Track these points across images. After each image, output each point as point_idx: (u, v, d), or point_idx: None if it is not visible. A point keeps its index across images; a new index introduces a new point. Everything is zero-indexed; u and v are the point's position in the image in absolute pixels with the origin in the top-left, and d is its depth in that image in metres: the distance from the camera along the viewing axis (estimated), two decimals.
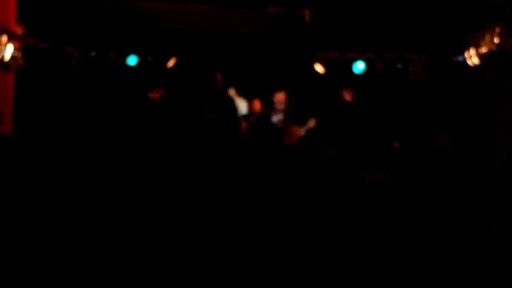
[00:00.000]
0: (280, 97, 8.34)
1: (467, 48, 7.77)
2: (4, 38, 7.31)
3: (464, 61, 7.85)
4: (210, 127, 7.50)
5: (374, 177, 6.54)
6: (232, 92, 8.32)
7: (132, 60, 8.89)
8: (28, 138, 7.94)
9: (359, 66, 8.74)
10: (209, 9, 8.26)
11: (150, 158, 7.34)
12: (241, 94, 8.43)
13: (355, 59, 8.78)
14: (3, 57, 7.33)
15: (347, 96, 8.31)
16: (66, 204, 6.29)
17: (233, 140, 7.33)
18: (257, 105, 8.25)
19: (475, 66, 7.71)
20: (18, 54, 7.60)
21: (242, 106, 8.39)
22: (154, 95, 8.37)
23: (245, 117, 8.08)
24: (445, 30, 8.22)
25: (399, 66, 8.75)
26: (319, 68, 8.98)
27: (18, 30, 7.77)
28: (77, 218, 5.91)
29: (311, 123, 7.97)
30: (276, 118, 8.23)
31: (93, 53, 8.82)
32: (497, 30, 7.15)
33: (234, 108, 7.83)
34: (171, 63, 9.00)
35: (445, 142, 6.94)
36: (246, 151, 7.08)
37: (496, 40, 7.19)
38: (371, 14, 8.05)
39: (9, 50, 7.37)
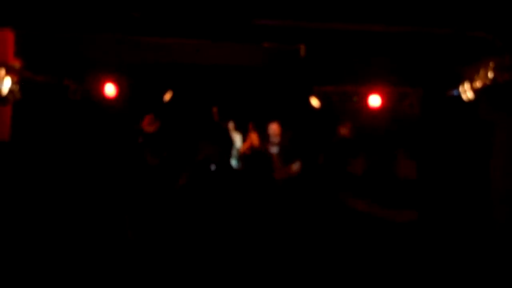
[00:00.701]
0: (275, 129, 8.40)
1: (461, 82, 7.85)
2: (2, 71, 7.35)
3: (459, 95, 7.91)
4: (206, 160, 7.63)
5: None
6: (230, 126, 8.36)
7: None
8: (24, 170, 7.94)
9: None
10: (205, 43, 8.26)
11: (144, 192, 7.47)
12: (237, 127, 8.42)
13: (351, 93, 8.90)
14: (0, 90, 7.37)
15: (344, 131, 8.30)
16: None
17: (228, 174, 7.42)
18: (254, 138, 8.31)
19: (469, 101, 7.75)
20: (16, 88, 7.63)
21: (238, 139, 8.41)
22: (149, 128, 8.38)
23: (240, 150, 8.10)
24: (439, 64, 8.28)
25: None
26: (314, 101, 9.06)
27: (16, 63, 7.81)
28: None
29: (296, 165, 8.03)
30: (271, 151, 8.22)
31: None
32: (491, 64, 7.20)
33: (230, 141, 7.88)
34: (167, 96, 9.05)
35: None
36: (240, 185, 7.21)
37: (490, 74, 7.24)
38: (366, 48, 8.00)
39: (6, 84, 7.41)
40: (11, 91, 7.52)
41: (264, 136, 8.43)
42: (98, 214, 7.24)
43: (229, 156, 7.87)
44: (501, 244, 6.88)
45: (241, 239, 6.24)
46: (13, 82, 7.55)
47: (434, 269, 6.19)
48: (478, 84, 7.56)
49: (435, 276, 6.09)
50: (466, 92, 7.75)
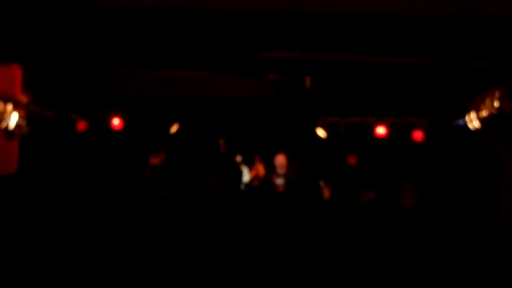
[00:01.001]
0: (281, 160, 8.32)
1: (467, 111, 7.86)
2: (10, 106, 7.38)
3: (465, 125, 7.92)
4: (214, 193, 7.61)
5: None
6: (238, 159, 8.38)
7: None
8: (31, 203, 7.95)
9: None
10: (210, 76, 8.31)
11: (151, 225, 7.46)
12: (244, 159, 8.42)
13: (357, 123, 8.91)
14: (7, 125, 7.40)
15: (352, 161, 8.30)
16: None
17: (236, 207, 7.41)
18: (260, 169, 8.31)
19: (476, 130, 7.76)
20: (23, 123, 7.67)
21: (245, 172, 8.39)
22: (155, 160, 8.43)
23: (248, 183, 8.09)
24: (445, 94, 8.30)
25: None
26: (321, 132, 9.09)
27: (23, 98, 7.85)
28: None
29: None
30: (278, 182, 8.22)
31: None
32: (497, 94, 7.21)
33: (240, 174, 7.85)
34: (173, 129, 9.11)
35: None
36: (250, 217, 7.21)
37: (496, 104, 7.24)
38: (371, 79, 8.06)
39: (14, 119, 7.44)
40: (18, 125, 7.55)
41: (270, 167, 8.38)
42: (104, 248, 7.09)
43: (238, 189, 7.83)
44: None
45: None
46: (20, 117, 7.58)
47: None
48: (484, 113, 7.56)
49: None
50: (473, 121, 7.76)
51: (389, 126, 8.87)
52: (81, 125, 8.85)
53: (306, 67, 7.72)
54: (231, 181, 7.59)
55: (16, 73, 7.94)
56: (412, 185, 7.18)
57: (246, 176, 8.38)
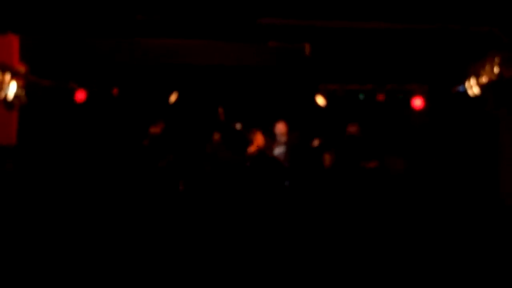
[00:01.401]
0: (281, 128, 8.32)
1: (467, 78, 7.84)
2: (8, 76, 7.35)
3: (465, 91, 7.90)
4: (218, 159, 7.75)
5: None
6: (238, 126, 8.32)
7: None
8: (31, 174, 7.98)
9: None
10: (210, 44, 8.23)
11: (151, 193, 7.62)
12: (243, 127, 8.39)
13: (356, 91, 8.81)
14: (6, 95, 7.37)
15: (352, 129, 8.30)
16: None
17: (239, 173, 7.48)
18: (260, 138, 8.19)
19: (476, 96, 7.74)
20: (21, 92, 7.63)
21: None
22: (155, 129, 8.43)
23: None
24: (445, 61, 8.22)
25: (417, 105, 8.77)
26: (320, 100, 9.00)
27: (21, 68, 7.81)
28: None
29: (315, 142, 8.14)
30: (278, 151, 8.21)
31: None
32: (497, 60, 7.17)
33: (246, 144, 8.00)
34: (173, 98, 8.98)
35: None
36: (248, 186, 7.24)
37: (496, 69, 7.21)
38: (371, 45, 7.99)
39: (12, 88, 7.41)
40: (17, 95, 7.53)
41: (270, 136, 8.35)
42: (103, 216, 7.25)
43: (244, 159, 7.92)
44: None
45: (246, 238, 6.55)
46: (18, 87, 7.55)
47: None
48: (484, 79, 7.53)
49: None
50: (472, 87, 7.72)
51: (389, 93, 8.82)
52: (80, 95, 8.70)
53: (305, 34, 7.78)
54: (237, 151, 7.72)
55: (13, 42, 7.90)
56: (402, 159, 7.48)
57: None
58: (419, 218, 7.22)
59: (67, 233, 6.74)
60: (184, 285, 5.57)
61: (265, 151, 8.09)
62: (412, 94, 8.75)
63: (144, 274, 5.66)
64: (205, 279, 5.58)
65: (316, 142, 8.16)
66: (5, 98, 7.38)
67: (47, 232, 6.73)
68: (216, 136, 8.36)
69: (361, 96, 8.81)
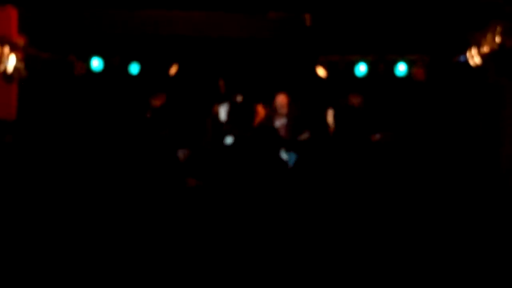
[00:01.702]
0: (282, 100, 8.28)
1: (468, 47, 7.77)
2: (6, 49, 7.31)
3: (466, 61, 7.85)
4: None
5: None
6: (239, 98, 8.28)
7: (134, 69, 8.83)
8: (31, 148, 7.95)
9: (361, 69, 8.68)
10: (209, 15, 8.23)
11: (151, 166, 7.62)
12: (244, 99, 8.38)
13: (357, 62, 8.73)
14: (5, 68, 7.33)
15: (355, 101, 8.27)
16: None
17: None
18: (261, 110, 8.21)
19: (477, 66, 7.69)
20: (21, 65, 7.59)
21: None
22: (156, 102, 8.40)
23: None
24: (446, 30, 8.16)
25: (401, 72, 8.71)
26: (321, 71, 8.92)
27: (20, 40, 7.75)
28: None
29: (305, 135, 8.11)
30: (279, 123, 8.21)
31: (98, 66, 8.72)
32: (499, 29, 7.11)
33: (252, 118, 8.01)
34: (173, 70, 8.92)
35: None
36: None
37: (497, 39, 7.15)
38: (371, 16, 7.96)
39: (11, 61, 7.37)
40: (16, 68, 7.49)
41: (271, 107, 8.33)
42: (104, 194, 7.25)
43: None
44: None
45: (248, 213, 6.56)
46: (18, 60, 7.51)
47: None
48: (485, 49, 7.47)
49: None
50: (474, 57, 7.66)
51: (390, 64, 8.74)
52: (80, 67, 8.68)
53: (305, 4, 7.71)
54: (244, 126, 7.75)
55: (11, 14, 7.83)
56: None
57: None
58: (420, 192, 7.31)
59: (67, 209, 6.72)
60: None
61: (266, 124, 8.09)
62: (413, 64, 8.69)
63: (142, 255, 5.54)
64: (204, 265, 5.42)
65: (305, 135, 8.15)
66: (4, 71, 7.33)
67: (45, 207, 6.72)
68: (216, 109, 8.33)
69: (363, 68, 8.73)
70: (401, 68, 8.68)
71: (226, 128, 8.09)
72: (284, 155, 7.87)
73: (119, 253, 5.47)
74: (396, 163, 7.90)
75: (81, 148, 8.41)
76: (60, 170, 7.86)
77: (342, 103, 8.40)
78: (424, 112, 8.68)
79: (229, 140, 7.79)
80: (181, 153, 7.96)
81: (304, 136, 8.12)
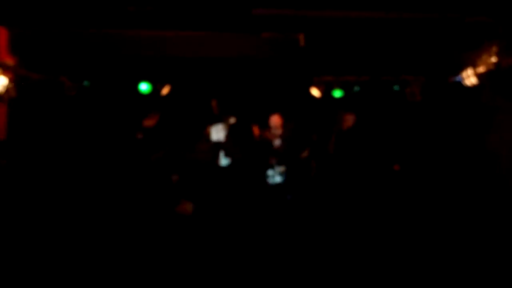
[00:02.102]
0: (276, 121, 8.18)
1: (464, 68, 7.77)
2: None
3: (461, 81, 7.85)
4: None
5: None
6: (232, 120, 8.12)
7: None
8: (21, 168, 7.85)
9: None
10: (202, 35, 8.14)
11: (146, 187, 7.49)
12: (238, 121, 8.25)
13: (352, 83, 8.72)
14: None
15: (348, 120, 8.16)
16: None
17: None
18: (255, 131, 8.06)
19: (473, 86, 7.68)
20: (11, 86, 7.49)
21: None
22: (149, 122, 8.28)
23: None
24: (441, 51, 8.14)
25: (396, 88, 8.70)
26: (315, 92, 8.90)
27: (10, 61, 7.68)
28: None
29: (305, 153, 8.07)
30: (275, 144, 8.13)
31: (86, 83, 8.65)
32: (494, 49, 7.09)
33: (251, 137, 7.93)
34: (165, 90, 8.86)
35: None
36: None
37: (493, 59, 7.13)
38: (366, 37, 7.91)
39: (1, 82, 7.29)
40: (6, 89, 7.42)
41: (265, 128, 8.19)
42: (96, 211, 7.15)
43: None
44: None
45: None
46: (7, 80, 7.43)
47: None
48: (481, 69, 7.45)
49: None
50: (470, 77, 7.65)
51: (385, 85, 8.75)
52: (70, 88, 8.60)
53: (299, 24, 7.68)
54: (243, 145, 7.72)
55: (1, 35, 7.77)
56: None
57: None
58: (419, 212, 7.27)
59: (59, 228, 6.63)
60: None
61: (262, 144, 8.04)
62: (408, 85, 8.68)
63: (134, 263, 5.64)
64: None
65: (305, 153, 8.11)
66: None
67: (38, 226, 6.64)
68: (208, 130, 8.15)
69: (356, 89, 8.71)
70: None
71: (223, 150, 7.91)
72: (277, 178, 7.77)
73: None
74: (393, 183, 7.85)
75: (71, 169, 8.25)
76: (49, 192, 7.67)
77: (336, 124, 8.31)
78: (420, 132, 8.66)
79: (224, 162, 7.62)
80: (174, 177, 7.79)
81: (304, 154, 8.06)
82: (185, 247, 6.17)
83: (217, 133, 8.02)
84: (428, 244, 6.14)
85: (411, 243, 6.18)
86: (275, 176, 7.73)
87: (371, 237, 6.35)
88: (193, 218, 6.96)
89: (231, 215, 6.81)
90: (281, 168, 7.77)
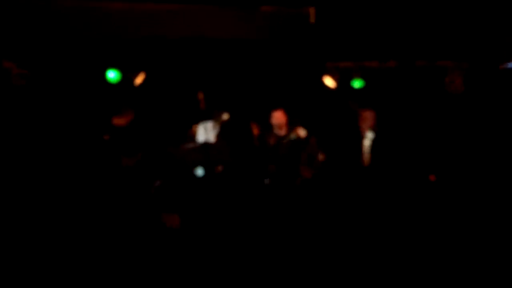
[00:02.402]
0: (279, 118, 7.25)
1: None
2: None
3: None
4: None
5: None
6: (225, 117, 7.35)
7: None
8: None
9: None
10: (186, 9, 7.22)
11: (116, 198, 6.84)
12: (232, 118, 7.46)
13: (375, 69, 8.19)
14: None
15: (368, 119, 7.25)
16: None
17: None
18: (254, 130, 7.26)
19: None
20: None
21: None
22: (119, 121, 7.26)
23: None
24: (489, 31, 7.46)
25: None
26: (328, 81, 8.31)
27: None
28: None
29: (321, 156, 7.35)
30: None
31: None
32: None
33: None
34: (138, 80, 8.12)
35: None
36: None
37: None
38: (394, 11, 7.08)
39: None
40: None
41: (265, 126, 7.39)
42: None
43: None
44: None
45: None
46: None
47: None
48: None
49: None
50: None
51: (417, 73, 8.21)
52: (18, 76, 7.84)
53: None
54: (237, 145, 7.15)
55: None
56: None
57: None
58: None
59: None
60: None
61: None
62: (447, 73, 8.17)
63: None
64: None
65: (321, 157, 7.34)
66: None
67: None
68: (194, 131, 7.48)
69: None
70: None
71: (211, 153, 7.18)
72: None
73: None
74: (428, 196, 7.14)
75: (21, 173, 7.51)
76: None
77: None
78: (461, 133, 8.05)
79: (200, 172, 6.99)
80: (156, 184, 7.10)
81: (321, 158, 7.25)
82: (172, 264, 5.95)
83: (206, 132, 7.32)
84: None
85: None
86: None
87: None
88: (181, 232, 6.56)
89: (222, 229, 6.52)
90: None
